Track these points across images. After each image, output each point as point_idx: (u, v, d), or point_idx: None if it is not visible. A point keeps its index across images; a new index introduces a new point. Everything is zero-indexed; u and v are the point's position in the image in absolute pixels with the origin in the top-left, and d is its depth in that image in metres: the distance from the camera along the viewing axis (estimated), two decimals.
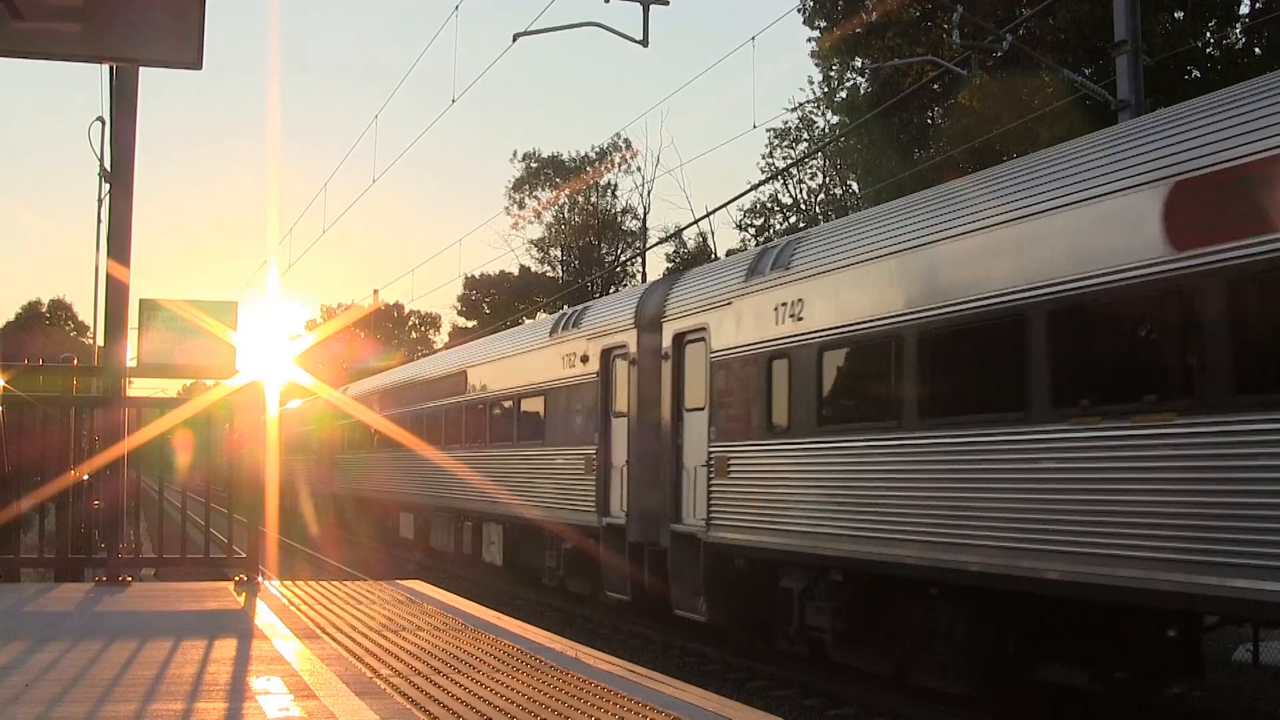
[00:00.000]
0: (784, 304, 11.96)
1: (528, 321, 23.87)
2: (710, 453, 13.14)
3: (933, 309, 9.83)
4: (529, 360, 19.01)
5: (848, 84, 37.86)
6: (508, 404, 19.88)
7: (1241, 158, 7.31)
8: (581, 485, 16.53)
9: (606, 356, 16.11)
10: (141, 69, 10.34)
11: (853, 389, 11.24)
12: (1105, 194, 8.29)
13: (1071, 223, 8.52)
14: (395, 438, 25.67)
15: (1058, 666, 9.97)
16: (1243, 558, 7.07)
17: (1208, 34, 27.65)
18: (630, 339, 15.36)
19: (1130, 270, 7.98)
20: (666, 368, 14.37)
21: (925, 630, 10.14)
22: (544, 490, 17.89)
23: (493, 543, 20.60)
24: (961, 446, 9.42)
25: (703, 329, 13.57)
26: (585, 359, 16.71)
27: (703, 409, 13.48)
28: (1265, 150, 7.19)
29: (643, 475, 14.83)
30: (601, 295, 43.47)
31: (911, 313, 10.07)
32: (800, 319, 11.66)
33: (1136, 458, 7.87)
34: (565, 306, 42.94)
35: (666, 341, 14.40)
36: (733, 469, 12.69)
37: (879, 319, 10.49)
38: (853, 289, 10.94)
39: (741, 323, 12.76)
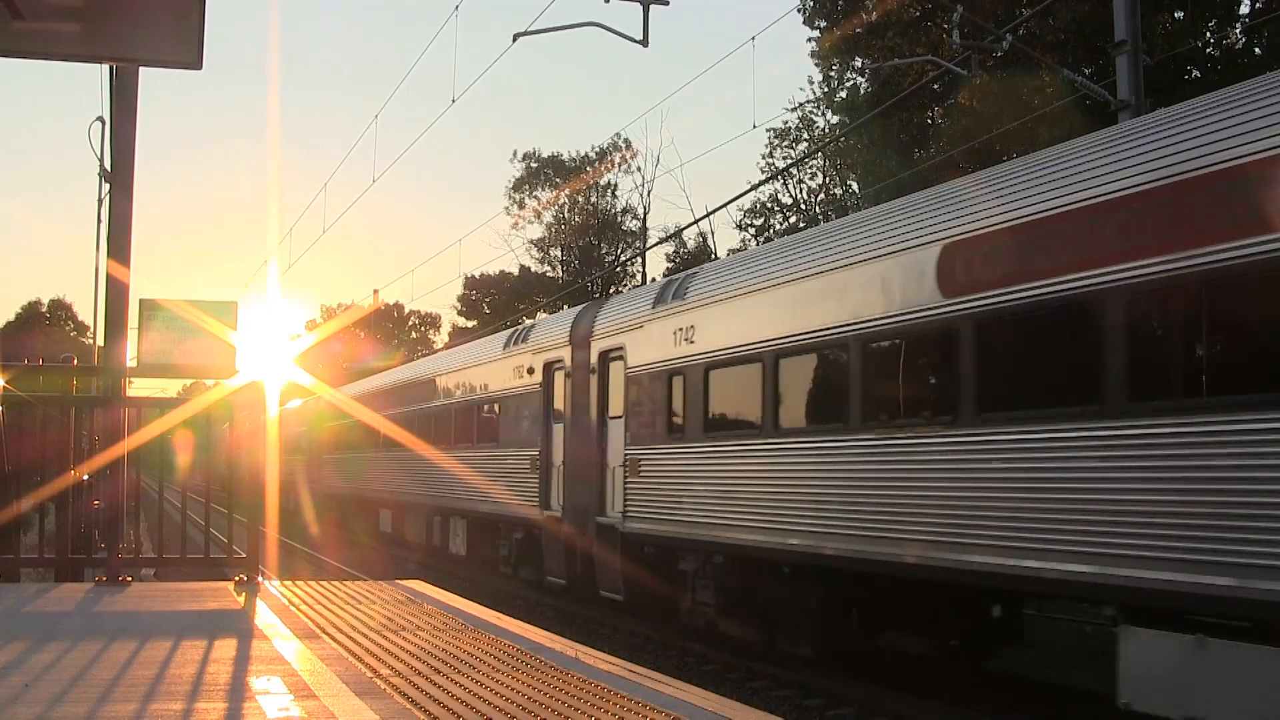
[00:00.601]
0: (680, 329, 14.08)
1: (489, 335, 25.87)
2: (626, 455, 15.15)
3: (787, 337, 11.92)
4: (486, 370, 21.08)
5: (848, 84, 37.89)
6: (469, 409, 21.87)
7: (983, 228, 9.40)
8: (528, 483, 18.53)
9: (548, 369, 18.13)
10: (141, 69, 10.34)
11: (730, 402, 13.16)
12: (901, 250, 10.33)
13: (878, 271, 10.61)
14: (375, 439, 27.91)
15: (900, 635, 11.82)
16: (1000, 540, 8.91)
17: (1208, 34, 27.65)
18: (566, 354, 17.43)
19: (916, 311, 10.05)
20: (594, 380, 16.40)
21: (784, 604, 12.21)
22: (498, 487, 19.76)
23: (458, 535, 22.60)
24: (806, 451, 11.55)
25: (621, 348, 15.57)
26: (531, 371, 18.78)
27: (621, 417, 15.48)
28: (999, 223, 9.24)
29: (575, 474, 16.91)
30: (602, 295, 43.70)
31: (773, 339, 12.13)
32: (692, 342, 13.79)
33: (921, 460, 9.90)
34: (565, 306, 43.02)
35: (593, 358, 16.42)
36: (643, 469, 14.71)
37: (749, 344, 12.56)
38: (731, 318, 13.05)
39: (650, 344, 14.78)
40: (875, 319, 10.57)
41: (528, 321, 20.92)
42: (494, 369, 20.57)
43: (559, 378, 17.74)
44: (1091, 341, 8.31)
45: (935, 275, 9.82)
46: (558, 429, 17.76)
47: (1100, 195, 8.31)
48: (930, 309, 9.86)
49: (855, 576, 10.99)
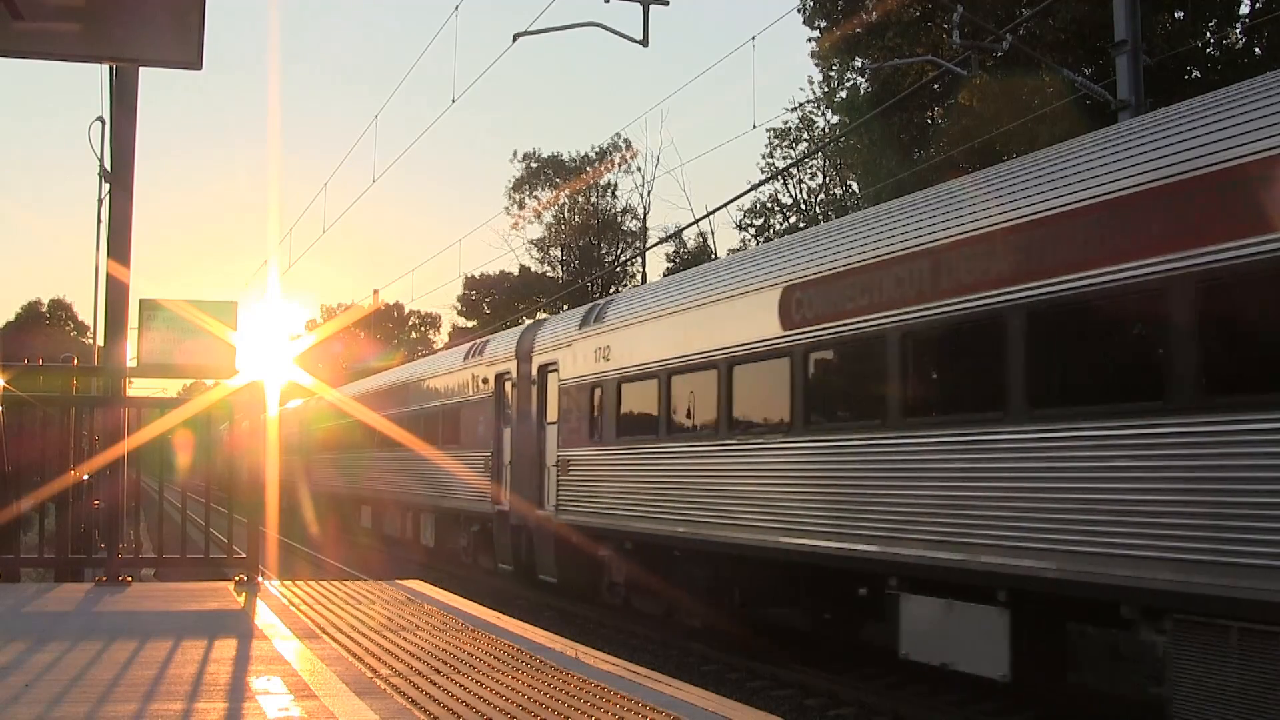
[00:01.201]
0: (599, 348, 16.24)
1: (455, 347, 28.67)
2: (558, 455, 17.32)
3: (677, 358, 14.15)
4: (450, 379, 23.30)
5: (848, 84, 37.88)
6: (436, 414, 23.84)
7: (810, 275, 11.70)
8: (482, 481, 20.64)
9: (499, 380, 20.28)
10: (141, 69, 10.34)
11: (636, 411, 15.28)
12: (760, 287, 12.59)
13: (740, 307, 12.89)
14: (357, 441, 30.01)
15: (782, 610, 13.58)
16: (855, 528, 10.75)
17: (1208, 34, 27.65)
18: (513, 367, 19.57)
19: (765, 341, 12.34)
20: (534, 390, 18.60)
21: (678, 583, 14.22)
22: (459, 485, 22.01)
23: (427, 529, 24.78)
24: (689, 453, 13.81)
25: (555, 363, 17.77)
26: (485, 381, 20.87)
27: (555, 422, 17.62)
28: (823, 271, 11.52)
29: (520, 473, 19.07)
30: (602, 295, 43.77)
31: (666, 359, 14.37)
32: (608, 360, 15.92)
33: (771, 461, 12.14)
34: (566, 307, 43.01)
35: (534, 371, 18.66)
36: (571, 468, 16.90)
37: (650, 363, 14.80)
38: (637, 340, 15.26)
39: (577, 360, 16.97)
40: (738, 345, 12.87)
41: (498, 333, 23.56)
42: (456, 378, 22.77)
43: (508, 387, 19.85)
44: (880, 369, 10.52)
45: (779, 311, 12.16)
46: (506, 432, 19.85)
47: (879, 256, 10.73)
48: (775, 339, 12.18)
49: (733, 559, 12.91)
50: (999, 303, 9.15)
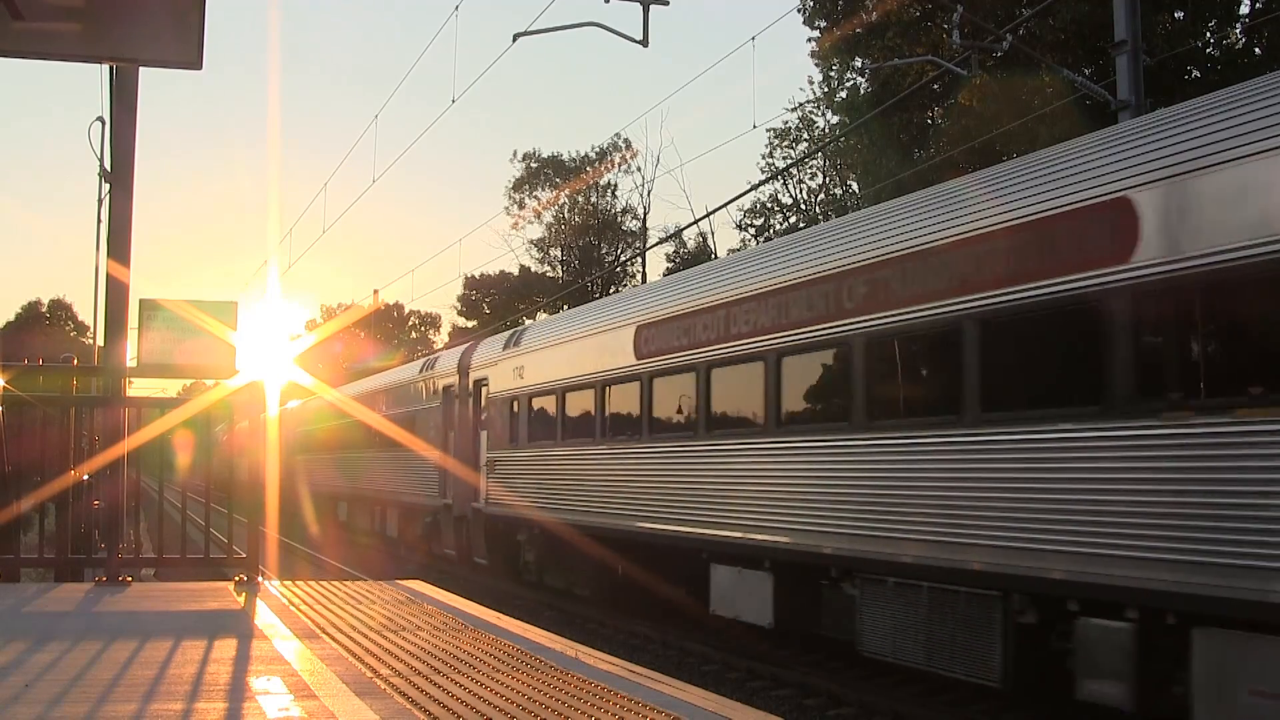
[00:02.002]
0: (517, 368, 19.59)
1: (414, 362, 31.97)
2: (487, 457, 20.61)
3: (571, 377, 17.37)
4: (410, 389, 26.54)
5: (848, 84, 37.87)
6: (399, 419, 26.66)
7: (651, 319, 15.12)
8: (432, 478, 24.01)
9: (446, 391, 23.54)
10: (141, 69, 10.34)
11: (541, 420, 18.53)
12: (621, 325, 15.92)
13: (611, 339, 16.19)
14: (335, 442, 33.17)
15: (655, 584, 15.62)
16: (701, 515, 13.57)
17: (1208, 34, 27.65)
18: (456, 381, 22.85)
19: (625, 368, 15.63)
20: (471, 401, 21.90)
21: (573, 561, 17.45)
22: (415, 482, 25.35)
23: (391, 521, 28.00)
24: (578, 455, 16.98)
25: (486, 378, 21.04)
26: (435, 391, 24.23)
27: (485, 429, 20.96)
28: (658, 316, 14.90)
29: (461, 472, 22.16)
30: (601, 295, 43.87)
31: (563, 378, 17.67)
32: (522, 378, 19.29)
33: (632, 463, 15.38)
34: (565, 306, 43.01)
35: (471, 384, 22.01)
36: (497, 467, 20.10)
37: (550, 380, 18.16)
38: (542, 363, 18.63)
39: (501, 376, 20.31)
40: (610, 369, 16.05)
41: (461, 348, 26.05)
42: (415, 389, 26.02)
43: (452, 398, 23.05)
44: (699, 392, 13.76)
45: (632, 345, 15.42)
46: (451, 437, 22.99)
47: (693, 308, 13.99)
48: (631, 366, 15.45)
49: (616, 542, 15.79)
50: (763, 348, 12.57)
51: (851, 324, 11.02)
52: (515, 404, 19.46)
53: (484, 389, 21.04)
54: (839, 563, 11.10)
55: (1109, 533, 8.14)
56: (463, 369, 22.51)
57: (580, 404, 17.02)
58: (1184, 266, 7.75)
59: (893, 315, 10.47)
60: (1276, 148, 7.29)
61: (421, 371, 25.87)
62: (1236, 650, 7.37)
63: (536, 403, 18.69)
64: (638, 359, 15.22)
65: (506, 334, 21.38)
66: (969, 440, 9.54)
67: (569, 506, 17.08)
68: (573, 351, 17.41)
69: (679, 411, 14.33)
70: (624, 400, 15.67)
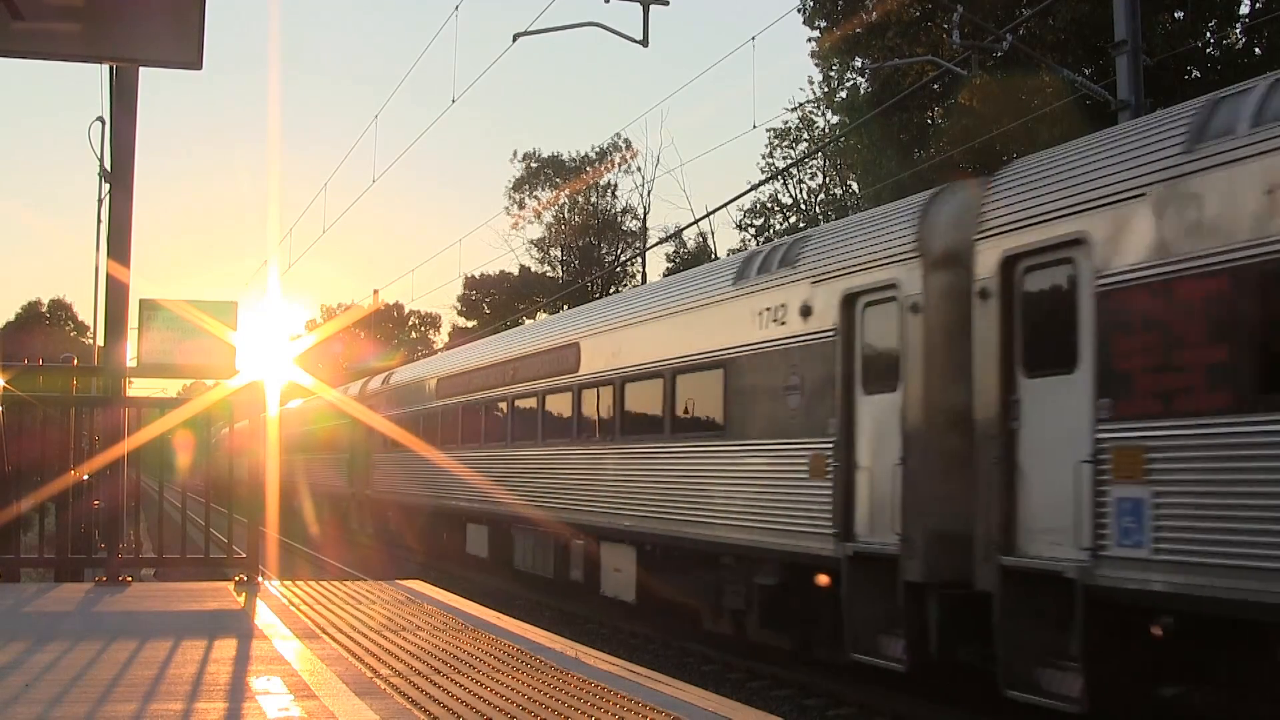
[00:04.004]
0: (385, 399, 28.42)
1: (353, 381, 36.72)
2: (374, 456, 28.28)
3: (422, 407, 24.96)
4: (352, 400, 31.44)
5: (848, 84, 37.86)
6: (335, 427, 32.36)
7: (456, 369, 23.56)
8: (356, 472, 30.07)
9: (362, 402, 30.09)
10: (141, 69, 10.33)
11: (396, 431, 25.43)
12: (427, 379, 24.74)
13: (431, 384, 24.52)
14: (314, 443, 37.00)
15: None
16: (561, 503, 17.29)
17: (1208, 34, 27.65)
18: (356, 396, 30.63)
19: (430, 406, 24.44)
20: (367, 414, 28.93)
21: (465, 536, 22.25)
22: (343, 476, 31.48)
23: (323, 508, 33.93)
24: (452, 459, 21.87)
25: (376, 405, 28.71)
26: (345, 407, 30.89)
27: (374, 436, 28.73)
28: (469, 367, 22.71)
29: (366, 467, 29.04)
30: (601, 295, 43.94)
31: (420, 407, 24.90)
32: (397, 406, 27.18)
33: (496, 463, 20.06)
34: (565, 307, 43.01)
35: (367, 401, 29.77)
36: (380, 463, 27.91)
37: (412, 409, 25.74)
38: (398, 397, 27.09)
39: (381, 405, 28.08)
40: (461, 398, 22.55)
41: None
42: (348, 403, 30.89)
43: (367, 415, 28.98)
44: (529, 415, 18.89)
45: (434, 389, 24.18)
46: (359, 440, 29.76)
47: (489, 363, 21.24)
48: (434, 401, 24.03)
49: (503, 521, 19.75)
50: (538, 389, 18.32)
51: (619, 369, 15.57)
52: (387, 418, 26.78)
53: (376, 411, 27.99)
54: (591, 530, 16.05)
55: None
56: (364, 395, 30.43)
57: (468, 416, 22.05)
58: (609, 374, 15.72)
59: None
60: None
61: (344, 393, 32.86)
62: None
63: (401, 419, 25.97)
64: (442, 398, 23.73)
65: (388, 373, 30.05)
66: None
67: (470, 499, 21.91)
68: (424, 386, 25.24)
69: (535, 425, 18.78)
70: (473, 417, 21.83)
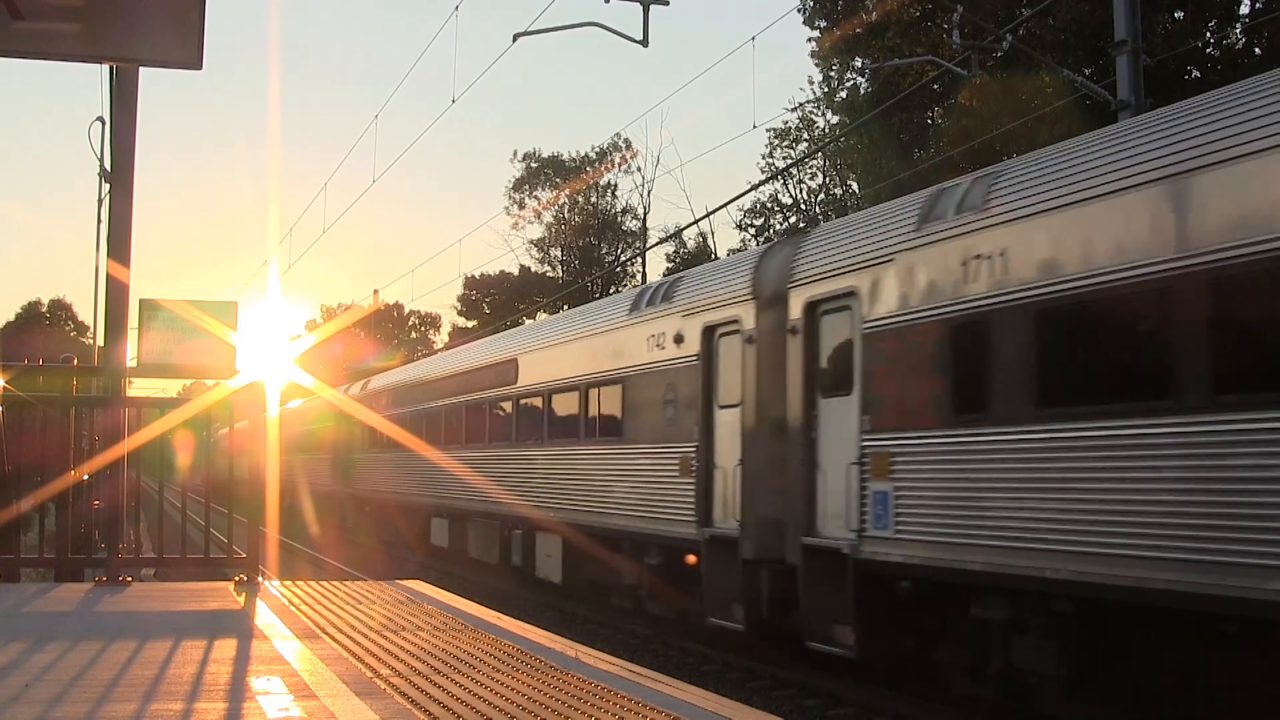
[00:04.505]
0: (369, 398, 30.07)
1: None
2: (349, 458, 31.35)
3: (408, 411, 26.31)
4: (342, 405, 33.53)
5: (848, 84, 37.83)
6: (325, 429, 34.61)
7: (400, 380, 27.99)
8: (334, 470, 33.19)
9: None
10: (141, 69, 10.34)
11: (381, 434, 28.07)
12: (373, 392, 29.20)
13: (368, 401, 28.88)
14: (311, 444, 38.79)
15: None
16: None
17: (1208, 34, 27.64)
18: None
19: (399, 411, 26.98)
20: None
21: (435, 532, 23.91)
22: (324, 476, 34.44)
23: (309, 504, 35.70)
24: (419, 461, 23.92)
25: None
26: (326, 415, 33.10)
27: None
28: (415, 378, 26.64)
29: (343, 468, 32.06)
30: (601, 295, 44.06)
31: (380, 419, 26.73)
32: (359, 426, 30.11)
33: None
34: (565, 307, 43.01)
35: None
36: (359, 466, 30.58)
37: (402, 411, 26.76)
38: (384, 398, 28.82)
39: (366, 406, 29.89)
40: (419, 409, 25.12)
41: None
42: (344, 404, 33.02)
43: (350, 418, 31.03)
44: (479, 421, 21.60)
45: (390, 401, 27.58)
46: (334, 446, 32.94)
47: (438, 376, 24.24)
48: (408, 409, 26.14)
49: (460, 515, 22.12)
50: (486, 399, 20.96)
51: (547, 382, 18.22)
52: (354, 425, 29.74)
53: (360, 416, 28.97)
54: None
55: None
56: (345, 400, 31.27)
57: (433, 422, 24.01)
58: (540, 386, 18.37)
59: (561, 379, 17.65)
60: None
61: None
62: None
63: (375, 426, 28.04)
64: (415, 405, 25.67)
65: (362, 381, 32.50)
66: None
67: (429, 489, 24.36)
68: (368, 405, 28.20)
69: (468, 430, 22.00)
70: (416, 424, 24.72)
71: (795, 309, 11.70)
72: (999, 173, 9.75)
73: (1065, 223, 8.53)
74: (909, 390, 9.97)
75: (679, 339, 13.93)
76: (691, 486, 13.29)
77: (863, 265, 10.73)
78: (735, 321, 12.73)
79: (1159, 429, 7.72)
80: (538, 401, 18.23)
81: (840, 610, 10.65)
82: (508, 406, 19.63)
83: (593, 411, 16.25)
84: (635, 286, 52.10)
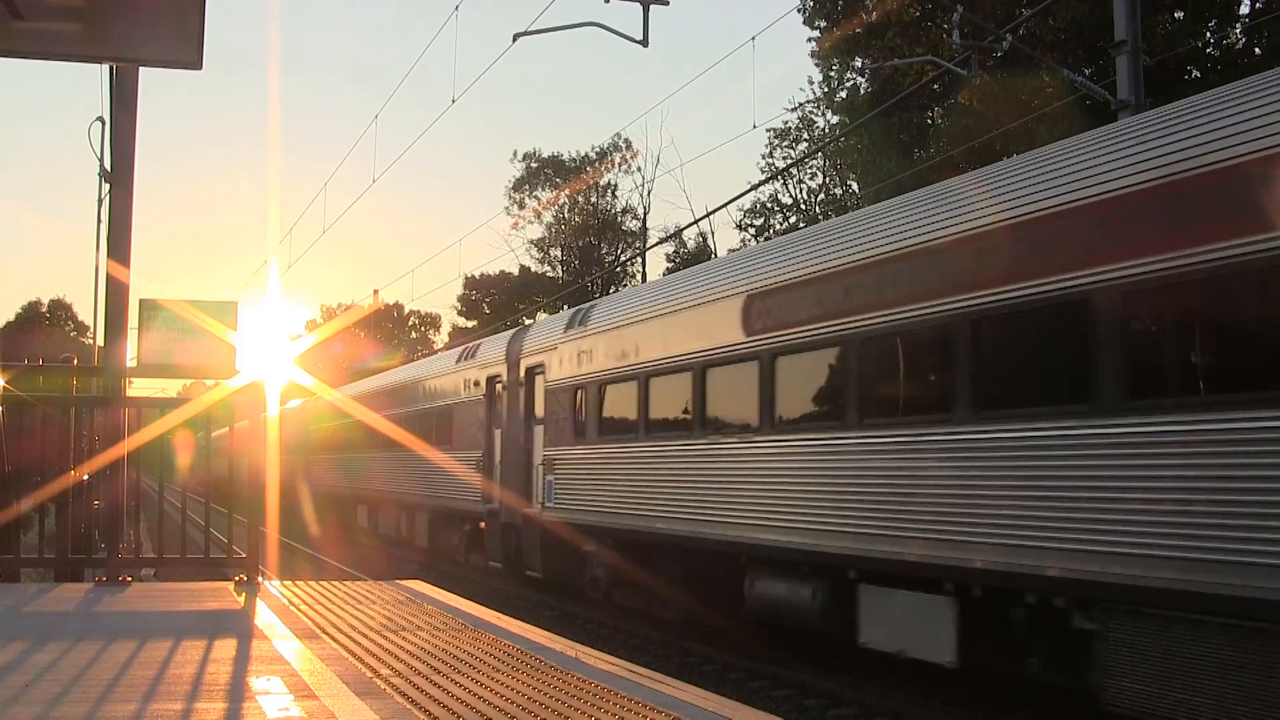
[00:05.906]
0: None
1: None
2: (310, 458, 36.62)
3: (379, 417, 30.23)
4: (315, 411, 37.77)
5: (848, 84, 37.86)
6: (298, 433, 38.68)
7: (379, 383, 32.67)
8: (337, 473, 35.07)
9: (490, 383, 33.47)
10: (141, 69, 10.33)
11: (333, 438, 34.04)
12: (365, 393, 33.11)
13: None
14: (308, 444, 40.97)
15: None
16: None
17: (1208, 34, 27.64)
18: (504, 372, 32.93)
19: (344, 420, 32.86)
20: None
21: (403, 519, 27.51)
22: (328, 477, 36.94)
23: (306, 503, 38.23)
24: (347, 459, 31.85)
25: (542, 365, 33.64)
26: (479, 384, 35.23)
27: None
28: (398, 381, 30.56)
29: (337, 469, 34.54)
30: (601, 295, 44.14)
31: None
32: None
33: (335, 464, 33.87)
34: (565, 307, 43.05)
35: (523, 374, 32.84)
36: (315, 467, 36.04)
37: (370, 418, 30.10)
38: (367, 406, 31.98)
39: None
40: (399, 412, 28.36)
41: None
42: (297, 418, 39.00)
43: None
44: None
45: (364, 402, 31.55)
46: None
47: (425, 377, 27.09)
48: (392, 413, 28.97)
49: (374, 503, 28.84)
50: (397, 414, 26.59)
51: (427, 406, 25.39)
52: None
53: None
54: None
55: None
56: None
57: (411, 424, 25.95)
58: (423, 409, 25.41)
59: (430, 405, 25.28)
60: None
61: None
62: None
63: (333, 430, 33.66)
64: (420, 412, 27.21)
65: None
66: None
67: (362, 485, 30.16)
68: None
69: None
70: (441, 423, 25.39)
71: (521, 372, 19.03)
72: (593, 305, 17.41)
73: (615, 335, 15.74)
74: (561, 422, 17.05)
75: (476, 384, 21.31)
76: (479, 479, 20.61)
77: (545, 350, 18.13)
78: (500, 375, 20.06)
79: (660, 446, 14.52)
80: (419, 417, 25.20)
81: (538, 551, 17.70)
82: (406, 419, 26.01)
83: (441, 428, 23.45)
84: (635, 286, 52.23)
